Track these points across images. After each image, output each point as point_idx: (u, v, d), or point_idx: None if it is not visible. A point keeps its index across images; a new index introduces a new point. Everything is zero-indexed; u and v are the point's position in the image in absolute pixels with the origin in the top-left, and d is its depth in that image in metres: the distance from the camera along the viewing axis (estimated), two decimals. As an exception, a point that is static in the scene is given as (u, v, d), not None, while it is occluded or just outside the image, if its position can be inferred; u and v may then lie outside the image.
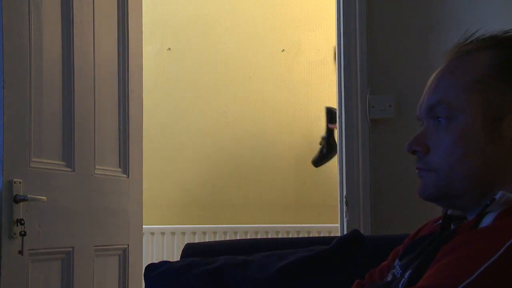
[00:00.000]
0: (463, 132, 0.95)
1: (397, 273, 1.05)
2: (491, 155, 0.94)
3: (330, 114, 2.71)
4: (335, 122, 2.73)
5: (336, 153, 2.61)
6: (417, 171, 1.02)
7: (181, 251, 1.73)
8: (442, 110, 0.98)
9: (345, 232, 2.20)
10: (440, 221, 1.07)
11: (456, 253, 0.85)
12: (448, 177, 0.97)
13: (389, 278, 1.08)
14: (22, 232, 1.90)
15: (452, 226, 1.03)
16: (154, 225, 3.82)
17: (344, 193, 2.23)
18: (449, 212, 1.05)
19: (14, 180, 1.90)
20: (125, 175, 2.50)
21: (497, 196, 0.92)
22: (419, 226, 1.20)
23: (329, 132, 2.69)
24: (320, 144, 2.78)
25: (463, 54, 1.00)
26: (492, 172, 0.95)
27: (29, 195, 1.92)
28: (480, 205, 0.95)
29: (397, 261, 1.11)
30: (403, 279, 0.97)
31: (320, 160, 2.74)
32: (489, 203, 0.92)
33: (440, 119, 0.98)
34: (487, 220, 0.92)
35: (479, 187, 0.95)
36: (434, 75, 1.04)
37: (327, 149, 2.71)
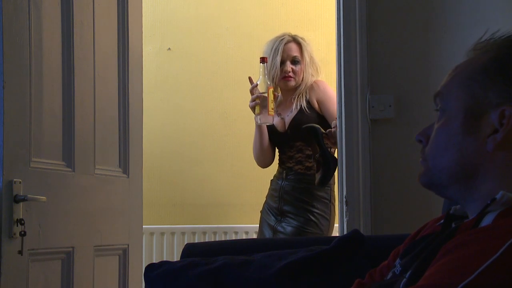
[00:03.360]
0: (446, 125, 1.00)
1: (398, 272, 1.05)
2: (468, 149, 0.97)
3: (315, 131, 2.66)
4: (323, 138, 2.70)
5: (336, 165, 2.57)
6: (420, 160, 1.06)
7: (181, 251, 1.73)
8: (439, 101, 1.03)
9: (345, 232, 2.20)
10: (442, 221, 1.08)
11: (457, 253, 0.85)
12: (433, 167, 1.01)
13: (389, 277, 1.09)
14: (22, 232, 1.90)
15: (453, 225, 1.03)
16: (154, 225, 3.82)
17: (344, 193, 2.23)
18: (451, 211, 1.06)
19: (14, 180, 1.90)
20: (125, 175, 2.50)
21: (498, 196, 0.92)
22: (419, 226, 1.21)
23: (322, 148, 2.65)
24: (317, 163, 2.72)
25: (472, 54, 1.04)
26: (469, 166, 0.97)
27: (29, 195, 1.92)
28: (475, 200, 0.97)
29: (397, 260, 1.12)
30: (404, 278, 0.98)
31: (324, 179, 2.70)
32: (490, 203, 0.93)
33: (439, 111, 1.03)
34: (487, 220, 0.93)
35: (460, 180, 0.98)
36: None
37: (325, 166, 2.66)
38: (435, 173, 1.01)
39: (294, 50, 2.94)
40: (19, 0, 1.96)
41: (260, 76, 2.80)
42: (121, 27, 2.51)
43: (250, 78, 2.85)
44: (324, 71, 3.68)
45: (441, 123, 1.01)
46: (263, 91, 2.76)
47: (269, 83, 2.80)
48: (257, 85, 2.79)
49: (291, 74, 2.91)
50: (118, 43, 2.49)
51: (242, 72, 3.85)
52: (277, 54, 2.91)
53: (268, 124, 2.86)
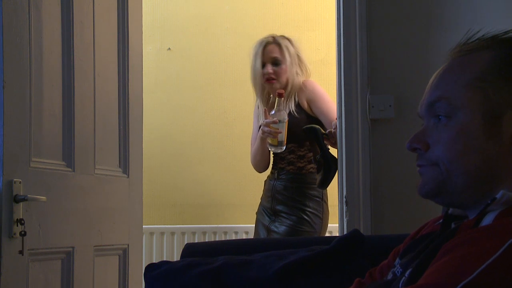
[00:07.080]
0: (462, 129, 0.96)
1: (398, 271, 1.05)
2: (490, 151, 0.94)
3: (315, 132, 2.67)
4: (323, 139, 2.70)
5: (337, 166, 2.57)
6: (418, 168, 1.02)
7: (181, 251, 1.73)
8: (442, 107, 0.98)
9: (345, 232, 2.20)
10: (441, 220, 1.07)
11: (457, 252, 0.85)
12: (448, 171, 0.97)
13: (389, 276, 1.09)
14: (22, 232, 1.90)
15: (453, 225, 1.03)
16: (154, 225, 3.82)
17: (344, 193, 2.23)
18: (450, 211, 1.05)
19: (14, 180, 1.90)
20: (125, 175, 2.50)
21: (498, 195, 0.92)
22: (419, 226, 1.21)
23: (323, 149, 2.65)
24: (317, 164, 2.72)
25: (465, 53, 1.01)
26: (491, 169, 0.95)
27: (29, 195, 1.93)
28: (479, 203, 0.95)
29: (397, 259, 1.12)
30: (404, 277, 0.97)
31: (325, 180, 2.71)
32: (490, 202, 0.93)
33: (440, 117, 0.99)
34: (487, 220, 0.92)
35: (478, 184, 0.96)
36: (436, 73, 1.04)
37: (326, 167, 2.67)
38: (451, 178, 0.96)
39: (274, 52, 2.94)
40: (19, 0, 1.96)
41: (276, 108, 2.80)
42: (121, 27, 2.51)
43: (265, 111, 2.85)
44: (324, 71, 3.69)
45: (454, 127, 0.96)
46: (279, 123, 2.78)
47: (286, 117, 2.81)
48: (276, 121, 2.78)
49: (272, 75, 2.92)
50: (118, 43, 2.49)
51: (241, 72, 3.85)
52: (258, 57, 2.94)
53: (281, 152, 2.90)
